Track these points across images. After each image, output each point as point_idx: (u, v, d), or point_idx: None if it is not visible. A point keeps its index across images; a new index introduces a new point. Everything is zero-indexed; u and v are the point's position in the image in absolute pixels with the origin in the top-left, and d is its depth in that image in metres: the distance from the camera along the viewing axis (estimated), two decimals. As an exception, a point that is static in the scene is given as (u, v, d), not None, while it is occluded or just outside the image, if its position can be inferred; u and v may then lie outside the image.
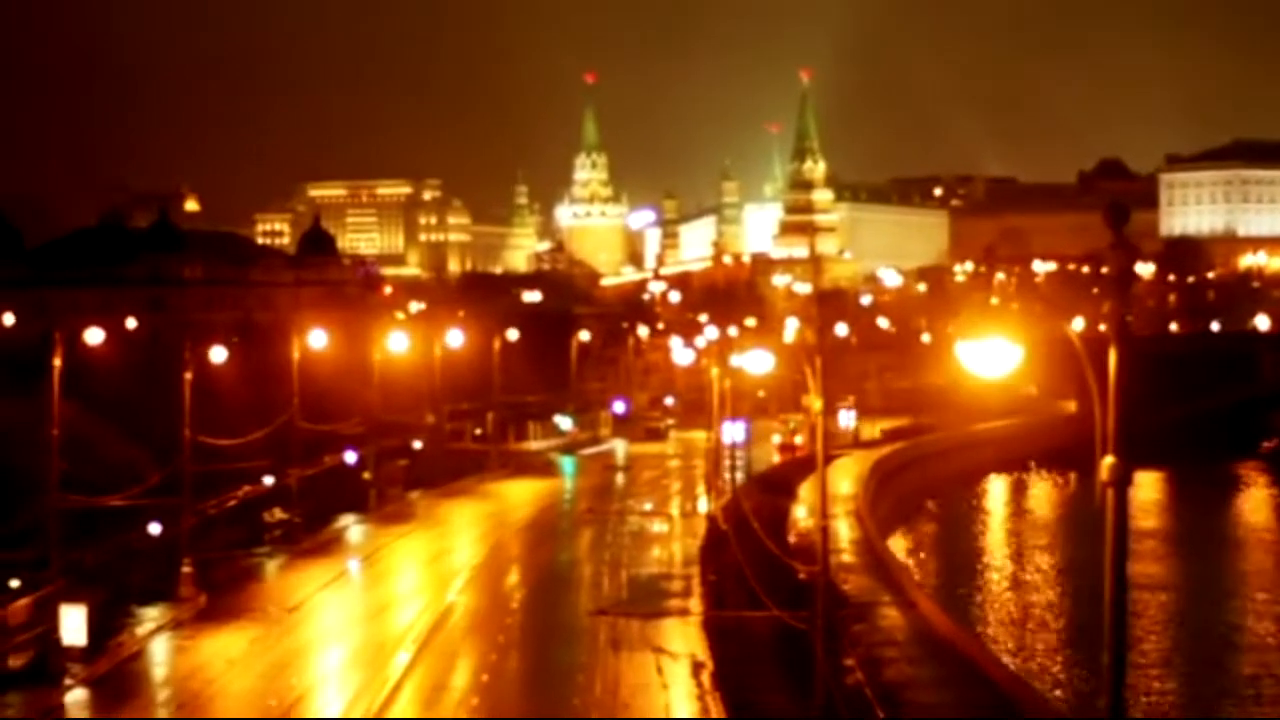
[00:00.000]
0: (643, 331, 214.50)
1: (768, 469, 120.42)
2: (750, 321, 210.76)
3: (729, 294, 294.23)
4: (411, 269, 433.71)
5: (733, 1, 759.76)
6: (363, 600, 78.38)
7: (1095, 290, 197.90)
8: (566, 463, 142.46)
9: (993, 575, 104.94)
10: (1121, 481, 20.42)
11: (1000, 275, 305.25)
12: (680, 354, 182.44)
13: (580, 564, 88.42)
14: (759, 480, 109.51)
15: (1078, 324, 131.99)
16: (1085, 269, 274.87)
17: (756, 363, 70.85)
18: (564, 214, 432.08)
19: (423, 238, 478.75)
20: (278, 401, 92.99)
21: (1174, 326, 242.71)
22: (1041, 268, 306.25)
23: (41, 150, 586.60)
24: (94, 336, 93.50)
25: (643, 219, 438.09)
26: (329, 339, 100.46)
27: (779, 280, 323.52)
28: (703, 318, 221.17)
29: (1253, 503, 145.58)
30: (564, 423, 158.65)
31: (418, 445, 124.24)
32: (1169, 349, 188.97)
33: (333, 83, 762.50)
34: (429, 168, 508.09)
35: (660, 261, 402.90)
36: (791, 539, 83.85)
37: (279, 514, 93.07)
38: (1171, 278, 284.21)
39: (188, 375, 76.13)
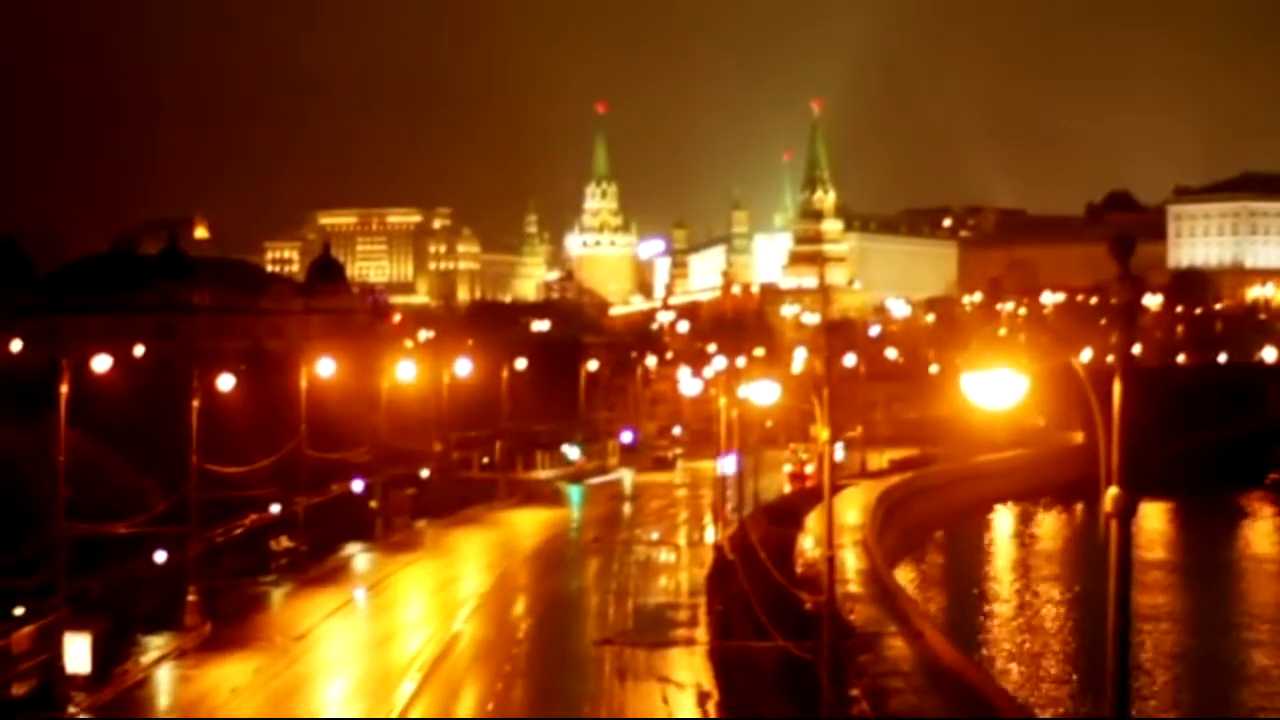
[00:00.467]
0: (651, 361, 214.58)
1: (775, 499, 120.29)
2: (759, 351, 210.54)
3: (738, 324, 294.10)
4: (421, 297, 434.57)
5: (744, 32, 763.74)
6: (369, 629, 78.31)
7: (1103, 321, 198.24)
8: (574, 492, 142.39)
9: (999, 606, 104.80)
10: (1125, 512, 20.36)
11: (1008, 306, 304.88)
12: (688, 384, 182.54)
13: (587, 593, 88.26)
14: (766, 510, 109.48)
15: (1086, 355, 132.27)
16: (1094, 300, 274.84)
17: (764, 393, 70.77)
18: (574, 243, 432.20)
19: (432, 266, 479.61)
20: (285, 429, 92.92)
21: (1181, 358, 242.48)
22: (1050, 299, 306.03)
23: (52, 178, 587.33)
24: (102, 364, 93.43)
25: (652, 248, 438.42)
26: (337, 367, 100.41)
27: (788, 310, 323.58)
28: (711, 347, 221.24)
29: (1259, 533, 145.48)
30: (572, 452, 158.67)
31: (425, 474, 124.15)
32: (1176, 380, 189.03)
33: (343, 111, 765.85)
34: (439, 196, 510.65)
35: (669, 291, 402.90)
36: (798, 569, 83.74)
37: (285, 542, 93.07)
38: (1179, 309, 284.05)
39: (196, 403, 76.14)
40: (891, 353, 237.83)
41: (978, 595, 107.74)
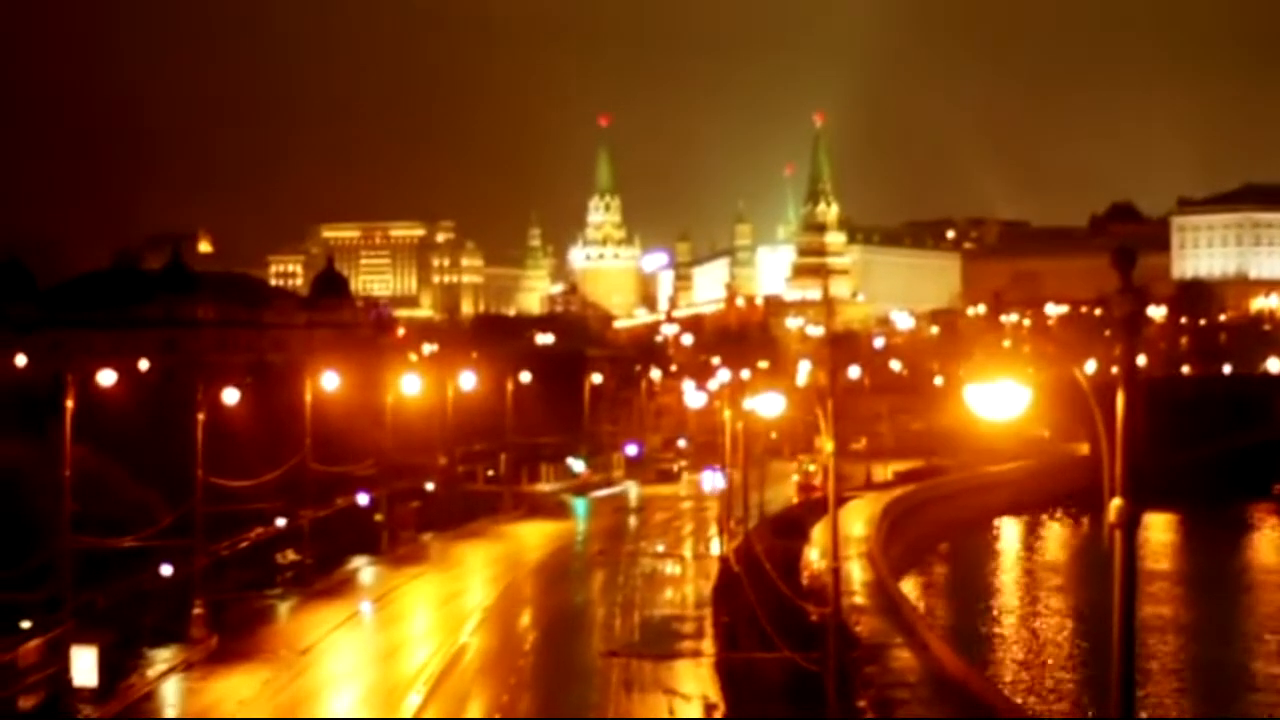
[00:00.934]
0: (655, 374, 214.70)
1: (781, 511, 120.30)
2: (763, 364, 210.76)
3: (742, 336, 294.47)
4: (424, 311, 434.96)
5: (747, 45, 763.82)
6: (375, 642, 78.31)
7: (1107, 333, 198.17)
8: (579, 504, 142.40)
9: (1005, 617, 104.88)
10: (1129, 523, 20.45)
11: (1011, 317, 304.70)
12: (693, 396, 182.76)
13: (592, 605, 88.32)
14: (772, 522, 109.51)
15: (1090, 367, 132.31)
16: (1097, 312, 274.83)
17: (769, 405, 70.85)
18: (577, 256, 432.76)
19: (436, 279, 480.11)
20: (290, 443, 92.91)
21: (1186, 369, 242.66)
22: (1054, 310, 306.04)
23: (55, 194, 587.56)
24: (106, 378, 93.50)
25: (656, 261, 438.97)
26: (341, 381, 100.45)
27: (792, 323, 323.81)
28: (715, 360, 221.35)
29: (1264, 544, 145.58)
30: (576, 465, 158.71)
31: (430, 487, 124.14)
32: (1181, 392, 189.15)
33: (346, 125, 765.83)
34: (442, 209, 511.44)
35: (673, 304, 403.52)
36: (804, 581, 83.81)
37: (291, 555, 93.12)
38: (1184, 320, 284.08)
39: (200, 416, 76.19)
40: (895, 365, 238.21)
41: (983, 607, 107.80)
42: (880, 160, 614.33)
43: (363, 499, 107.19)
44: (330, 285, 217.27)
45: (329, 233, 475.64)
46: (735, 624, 72.25)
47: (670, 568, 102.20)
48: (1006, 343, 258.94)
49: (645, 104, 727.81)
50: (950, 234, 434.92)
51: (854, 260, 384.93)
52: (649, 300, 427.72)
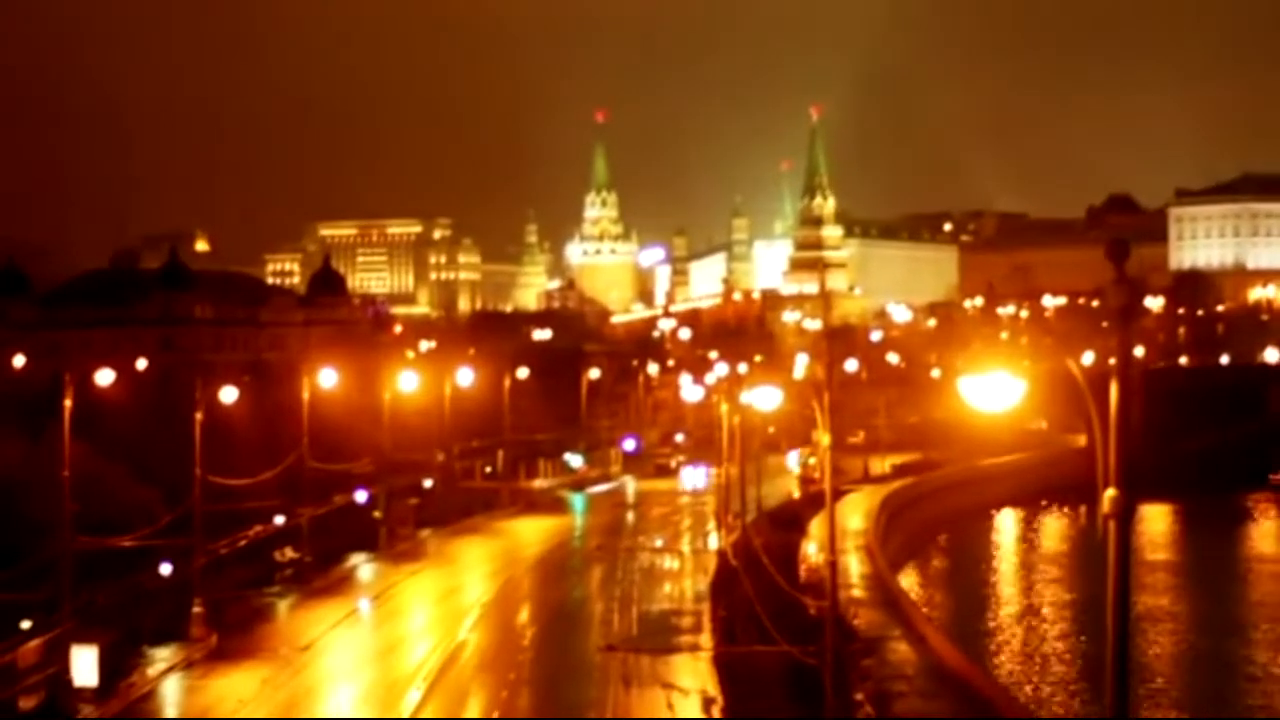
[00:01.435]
0: (653, 369, 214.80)
1: (779, 504, 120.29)
2: (760, 358, 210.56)
3: (739, 330, 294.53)
4: (422, 308, 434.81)
5: (742, 40, 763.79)
6: (374, 639, 78.38)
7: (1105, 324, 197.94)
8: (577, 500, 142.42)
9: (1003, 609, 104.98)
10: (1124, 514, 20.51)
11: (1008, 309, 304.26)
12: (690, 391, 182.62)
13: (591, 601, 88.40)
14: (770, 516, 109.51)
15: (1088, 358, 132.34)
16: (1095, 303, 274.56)
17: (766, 399, 70.81)
18: (574, 252, 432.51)
19: (433, 276, 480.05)
20: (288, 441, 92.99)
21: (1184, 360, 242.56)
22: (1051, 302, 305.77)
23: (52, 195, 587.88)
24: (104, 377, 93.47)
25: (653, 256, 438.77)
26: (339, 378, 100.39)
27: (789, 316, 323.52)
28: (713, 354, 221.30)
29: (1261, 535, 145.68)
30: (574, 460, 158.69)
31: (428, 484, 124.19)
32: (1179, 382, 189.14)
33: (342, 123, 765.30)
34: (439, 207, 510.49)
35: (670, 299, 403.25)
36: (802, 574, 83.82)
37: (290, 553, 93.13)
38: (1181, 311, 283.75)
39: (198, 415, 76.23)
40: (893, 358, 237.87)
41: (981, 599, 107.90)
42: (877, 153, 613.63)
43: (361, 496, 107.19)
44: (327, 283, 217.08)
45: (326, 231, 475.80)
46: (733, 618, 72.28)
47: (668, 562, 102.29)
48: (1004, 334, 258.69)
49: (641, 99, 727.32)
50: (948, 227, 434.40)
51: (851, 253, 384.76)
52: (646, 295, 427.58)
